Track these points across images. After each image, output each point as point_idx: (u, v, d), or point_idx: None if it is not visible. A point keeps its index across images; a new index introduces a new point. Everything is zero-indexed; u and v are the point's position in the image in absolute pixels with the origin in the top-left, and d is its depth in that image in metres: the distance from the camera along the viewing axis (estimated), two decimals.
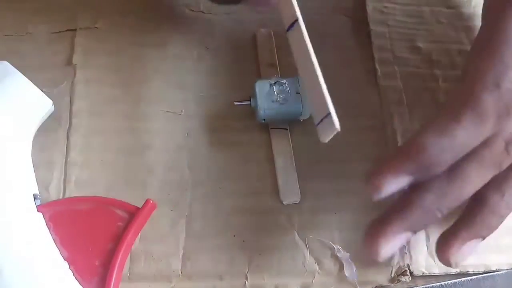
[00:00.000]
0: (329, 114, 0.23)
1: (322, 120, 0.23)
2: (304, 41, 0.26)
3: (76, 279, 0.25)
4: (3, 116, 0.27)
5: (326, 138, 0.23)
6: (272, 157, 0.31)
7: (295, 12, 0.26)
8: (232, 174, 0.30)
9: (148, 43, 0.34)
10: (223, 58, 0.34)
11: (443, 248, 0.26)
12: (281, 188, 0.30)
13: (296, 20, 0.26)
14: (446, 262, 0.26)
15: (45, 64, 0.32)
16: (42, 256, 0.25)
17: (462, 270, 0.29)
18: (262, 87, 0.30)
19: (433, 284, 0.29)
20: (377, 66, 0.34)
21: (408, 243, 0.29)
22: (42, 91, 0.29)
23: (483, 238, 0.26)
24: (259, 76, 0.33)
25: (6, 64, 0.28)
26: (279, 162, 0.30)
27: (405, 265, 0.29)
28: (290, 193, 0.29)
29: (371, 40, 0.34)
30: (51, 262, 0.25)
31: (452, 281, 0.29)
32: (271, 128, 0.31)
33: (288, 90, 0.30)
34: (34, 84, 0.29)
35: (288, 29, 0.27)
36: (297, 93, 0.30)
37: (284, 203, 0.30)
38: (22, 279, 0.24)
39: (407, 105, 0.33)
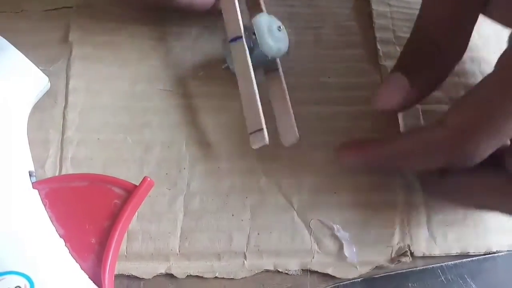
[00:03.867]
0: (261, 129, 0.27)
1: (254, 131, 0.27)
2: (245, 59, 0.28)
3: (72, 256, 0.25)
4: None
5: (256, 146, 0.27)
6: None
7: (240, 29, 0.28)
8: (231, 154, 0.30)
9: (145, 21, 0.33)
10: (222, 36, 0.33)
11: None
12: (280, 131, 0.29)
13: (241, 36, 0.28)
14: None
15: (41, 42, 0.32)
16: (37, 233, 0.25)
17: (463, 252, 0.29)
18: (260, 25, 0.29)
19: (433, 265, 0.29)
20: (378, 46, 0.33)
21: (408, 223, 0.29)
22: (37, 68, 0.28)
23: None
24: None
25: (0, 39, 0.28)
26: (276, 106, 0.30)
27: (406, 246, 0.28)
28: (289, 134, 0.29)
29: (373, 20, 0.34)
30: (47, 239, 0.25)
31: (452, 262, 0.29)
32: (266, 72, 0.31)
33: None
34: (28, 59, 0.28)
35: (231, 41, 0.29)
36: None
37: (286, 145, 0.29)
38: (17, 256, 0.24)
39: None
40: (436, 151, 0.25)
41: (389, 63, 0.33)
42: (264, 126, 0.27)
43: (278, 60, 0.31)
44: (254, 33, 0.29)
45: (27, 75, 0.28)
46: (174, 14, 0.33)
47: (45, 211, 0.26)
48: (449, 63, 0.27)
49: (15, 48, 0.28)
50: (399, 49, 0.33)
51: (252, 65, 0.29)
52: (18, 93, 0.28)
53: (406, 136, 0.28)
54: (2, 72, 0.27)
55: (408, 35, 0.28)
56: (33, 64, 0.28)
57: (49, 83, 0.29)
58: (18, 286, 0.23)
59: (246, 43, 0.28)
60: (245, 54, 0.28)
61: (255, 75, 0.28)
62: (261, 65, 0.30)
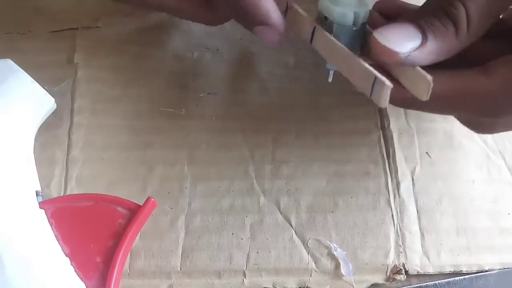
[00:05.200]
0: (376, 77, 0.23)
1: (372, 88, 0.23)
2: (328, 38, 0.25)
3: (77, 275, 0.26)
4: (6, 114, 0.28)
5: (383, 103, 0.23)
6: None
7: (310, 22, 0.26)
8: (231, 174, 0.31)
9: (148, 43, 0.34)
10: (223, 58, 0.34)
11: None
12: (410, 89, 0.24)
13: (314, 27, 0.26)
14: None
15: (47, 63, 0.32)
16: (44, 252, 0.26)
17: (455, 270, 0.30)
18: None
19: (427, 283, 0.29)
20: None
21: (403, 242, 0.30)
22: (43, 89, 0.29)
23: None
24: None
25: (9, 62, 0.28)
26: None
27: (400, 264, 0.29)
28: (420, 84, 0.23)
29: None
30: (53, 258, 0.26)
31: (446, 280, 0.30)
32: None
33: None
34: (36, 82, 0.29)
35: (311, 41, 0.27)
36: None
37: (424, 98, 0.23)
38: (24, 275, 0.25)
39: None
40: (472, 101, 0.22)
41: None
42: (376, 73, 0.23)
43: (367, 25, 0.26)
44: (325, 17, 0.26)
45: (35, 98, 0.29)
46: (176, 36, 0.34)
47: (51, 230, 0.26)
48: None
49: (23, 71, 0.29)
50: None
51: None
52: (26, 115, 0.28)
53: (441, 76, 0.23)
54: (11, 94, 0.28)
55: None
56: (41, 87, 0.29)
57: (56, 105, 0.30)
58: None
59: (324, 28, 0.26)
60: (324, 35, 0.25)
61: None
62: (353, 42, 0.26)
